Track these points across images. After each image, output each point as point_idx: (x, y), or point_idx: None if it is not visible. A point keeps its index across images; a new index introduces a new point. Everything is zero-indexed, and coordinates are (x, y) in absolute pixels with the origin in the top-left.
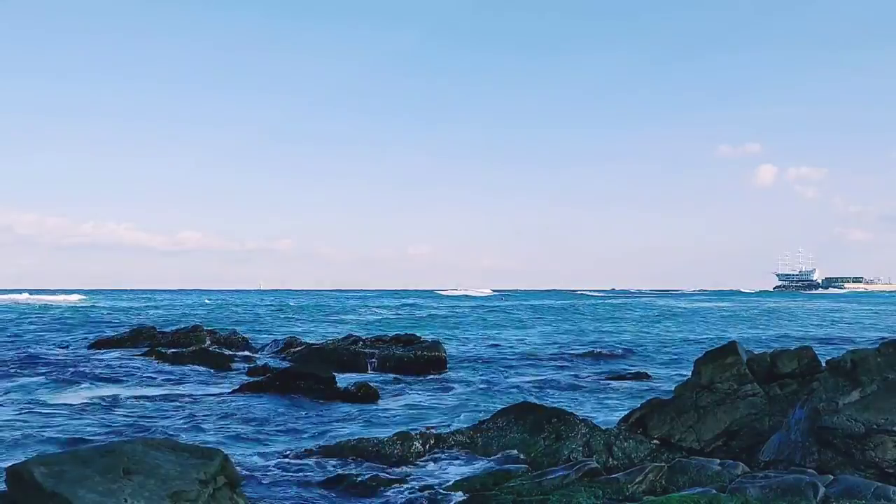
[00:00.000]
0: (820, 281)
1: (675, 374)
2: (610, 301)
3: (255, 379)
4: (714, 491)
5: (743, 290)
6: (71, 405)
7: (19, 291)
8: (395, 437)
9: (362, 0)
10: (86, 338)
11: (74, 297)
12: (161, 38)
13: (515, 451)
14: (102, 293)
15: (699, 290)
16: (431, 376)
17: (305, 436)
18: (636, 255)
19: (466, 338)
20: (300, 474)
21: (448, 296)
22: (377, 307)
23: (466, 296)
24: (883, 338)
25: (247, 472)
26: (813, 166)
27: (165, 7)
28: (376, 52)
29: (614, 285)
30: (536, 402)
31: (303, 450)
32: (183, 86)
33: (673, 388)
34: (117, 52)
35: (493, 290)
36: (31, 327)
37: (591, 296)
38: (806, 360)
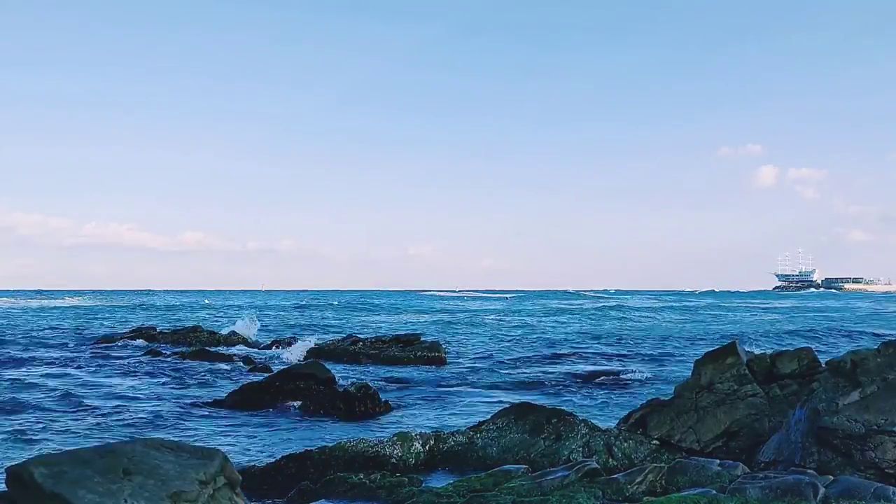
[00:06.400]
0: (820, 281)
1: None
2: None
3: (255, 379)
4: (714, 491)
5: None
6: (70, 405)
7: (22, 292)
8: (394, 438)
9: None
10: (86, 337)
11: (76, 299)
12: (162, 36)
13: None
14: (104, 294)
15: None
16: (432, 377)
17: (304, 436)
18: (636, 254)
19: None
20: (299, 476)
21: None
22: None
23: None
24: None
25: (244, 473)
26: (813, 167)
27: (168, 3)
28: (376, 53)
29: (612, 286)
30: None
31: (301, 451)
32: (184, 87)
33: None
34: (118, 54)
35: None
36: (33, 327)
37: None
38: (806, 360)
